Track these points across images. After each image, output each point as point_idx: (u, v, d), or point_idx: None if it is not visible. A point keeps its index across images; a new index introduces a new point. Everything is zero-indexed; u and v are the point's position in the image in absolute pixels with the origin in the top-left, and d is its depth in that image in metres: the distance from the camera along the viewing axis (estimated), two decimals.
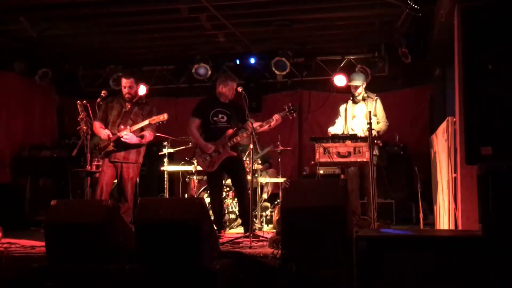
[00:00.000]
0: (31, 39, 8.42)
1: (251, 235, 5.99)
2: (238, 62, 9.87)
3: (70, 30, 8.50)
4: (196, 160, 7.27)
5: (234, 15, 7.90)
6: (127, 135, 6.54)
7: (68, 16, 7.91)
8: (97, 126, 6.69)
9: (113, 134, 6.61)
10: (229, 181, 7.72)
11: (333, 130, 7.43)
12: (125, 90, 6.80)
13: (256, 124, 6.62)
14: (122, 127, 6.62)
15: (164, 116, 6.59)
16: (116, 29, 8.61)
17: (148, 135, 6.73)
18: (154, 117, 6.62)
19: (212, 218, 6.50)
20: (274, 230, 7.25)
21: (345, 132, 7.32)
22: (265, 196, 8.59)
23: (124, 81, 6.84)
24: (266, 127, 6.75)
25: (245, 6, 7.62)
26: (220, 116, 6.87)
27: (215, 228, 6.88)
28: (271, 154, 8.95)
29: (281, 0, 7.45)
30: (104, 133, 6.59)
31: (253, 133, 6.31)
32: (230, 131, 6.80)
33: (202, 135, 6.91)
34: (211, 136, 6.86)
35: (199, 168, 8.03)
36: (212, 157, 6.78)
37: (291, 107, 6.75)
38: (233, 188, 8.06)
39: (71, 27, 8.35)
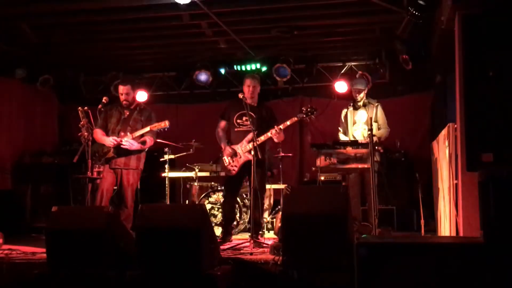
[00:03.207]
0: (33, 46, 8.44)
1: (251, 241, 5.98)
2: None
3: (71, 37, 8.52)
4: (220, 162, 7.06)
5: (235, 22, 7.92)
6: (128, 142, 6.55)
7: (69, 23, 7.93)
8: (99, 133, 6.69)
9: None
10: None
11: (343, 137, 7.45)
12: (122, 97, 6.82)
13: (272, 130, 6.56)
14: (122, 133, 6.64)
15: (165, 123, 6.59)
16: (117, 35, 8.63)
17: (149, 140, 6.74)
18: (155, 124, 6.63)
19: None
20: (275, 236, 7.24)
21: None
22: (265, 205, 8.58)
23: (121, 88, 6.85)
24: (287, 123, 6.64)
25: (246, 12, 7.64)
26: (244, 118, 6.79)
27: (222, 234, 6.87)
28: (274, 163, 8.94)
29: (282, 7, 7.46)
30: (109, 141, 6.59)
31: (254, 139, 6.28)
32: (251, 134, 6.70)
33: (228, 138, 6.91)
34: (234, 139, 6.85)
35: (200, 174, 8.05)
36: (233, 161, 6.75)
37: (309, 109, 6.64)
38: None
39: (73, 34, 8.38)
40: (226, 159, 6.77)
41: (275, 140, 6.70)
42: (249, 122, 6.60)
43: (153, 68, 10.26)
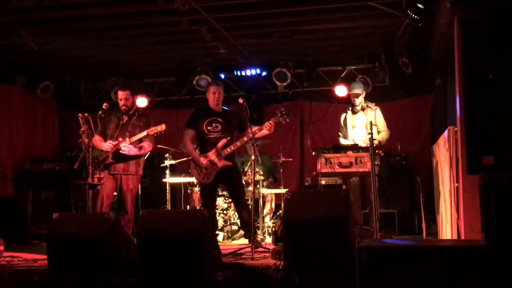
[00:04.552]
0: (33, 52, 8.45)
1: (253, 246, 5.97)
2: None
3: (71, 43, 8.54)
4: (191, 172, 7.06)
5: (235, 27, 7.93)
6: (126, 147, 6.55)
7: (69, 29, 7.95)
8: (97, 140, 6.69)
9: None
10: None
11: (343, 141, 7.45)
12: (121, 103, 6.84)
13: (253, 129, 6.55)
14: (121, 139, 6.64)
15: (162, 127, 6.60)
16: (117, 41, 8.65)
17: (147, 146, 6.74)
18: (152, 128, 6.63)
19: None
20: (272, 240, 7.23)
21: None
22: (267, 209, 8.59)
23: (120, 94, 6.88)
24: (260, 134, 6.66)
25: (246, 17, 7.65)
26: (214, 125, 6.78)
27: None
28: (276, 168, 8.95)
29: (281, 12, 7.47)
30: (105, 145, 6.60)
31: (254, 144, 6.27)
32: (224, 140, 6.70)
33: (197, 146, 6.87)
34: (206, 146, 6.77)
35: None
36: (208, 169, 6.71)
37: (283, 111, 6.63)
38: None
39: (72, 40, 8.39)
40: (202, 168, 6.72)
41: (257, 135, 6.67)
42: (219, 129, 6.71)
43: (153, 73, 10.27)
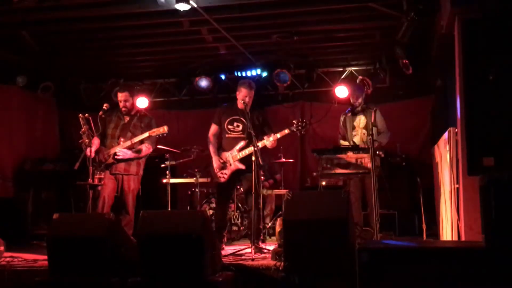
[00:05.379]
0: (33, 53, 8.45)
1: (253, 247, 5.97)
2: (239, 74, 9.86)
3: (72, 44, 8.54)
4: (209, 169, 6.99)
5: (235, 28, 7.93)
6: (121, 152, 6.56)
7: (70, 30, 7.95)
8: (96, 142, 6.70)
9: (111, 147, 6.69)
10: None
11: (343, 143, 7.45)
12: (121, 104, 6.86)
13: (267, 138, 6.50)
14: (122, 139, 6.65)
15: (164, 129, 6.59)
16: (118, 42, 8.65)
17: (146, 148, 6.74)
18: (154, 130, 6.63)
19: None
20: (277, 242, 7.23)
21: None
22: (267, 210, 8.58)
23: (119, 95, 6.90)
24: (277, 136, 6.57)
25: (246, 18, 7.65)
26: (235, 124, 6.75)
27: None
28: (276, 169, 8.93)
29: (282, 13, 7.47)
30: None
31: (255, 145, 6.25)
32: (243, 143, 6.66)
33: (220, 143, 6.84)
34: (225, 145, 6.77)
35: (201, 180, 8.02)
36: (222, 168, 6.71)
37: (300, 123, 6.53)
38: (235, 200, 8.06)
39: (73, 41, 8.40)
40: (216, 168, 6.71)
41: (268, 146, 6.63)
42: (240, 129, 6.65)
43: (154, 74, 10.26)
